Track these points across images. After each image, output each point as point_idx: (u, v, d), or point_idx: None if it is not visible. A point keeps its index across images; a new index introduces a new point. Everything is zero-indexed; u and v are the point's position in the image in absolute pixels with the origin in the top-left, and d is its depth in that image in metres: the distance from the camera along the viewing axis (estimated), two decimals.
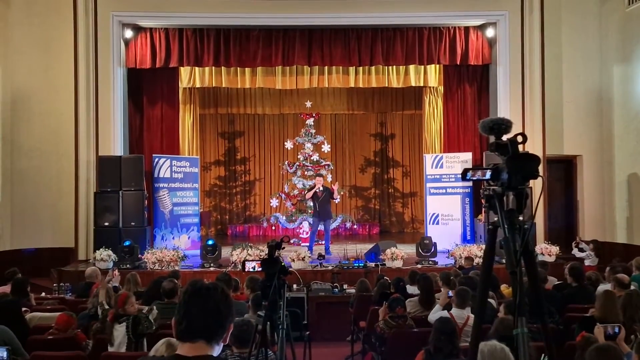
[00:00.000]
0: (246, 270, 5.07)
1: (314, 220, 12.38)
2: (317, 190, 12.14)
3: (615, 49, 12.39)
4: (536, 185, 10.43)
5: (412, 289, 7.71)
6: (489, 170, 2.43)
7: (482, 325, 2.69)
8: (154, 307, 5.64)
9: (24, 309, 6.38)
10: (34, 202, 12.14)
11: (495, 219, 2.46)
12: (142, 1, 12.27)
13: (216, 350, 2.08)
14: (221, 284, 2.21)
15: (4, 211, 11.91)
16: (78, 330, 5.72)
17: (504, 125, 2.47)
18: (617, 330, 4.49)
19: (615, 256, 11.02)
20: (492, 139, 2.49)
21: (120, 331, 5.29)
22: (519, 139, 2.40)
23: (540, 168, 2.44)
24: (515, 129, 2.51)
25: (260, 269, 4.46)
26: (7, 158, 12.05)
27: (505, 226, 2.35)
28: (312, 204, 12.69)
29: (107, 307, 5.95)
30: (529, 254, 2.38)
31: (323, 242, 12.38)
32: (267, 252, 4.39)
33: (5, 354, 4.53)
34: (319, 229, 12.41)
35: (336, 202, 13.30)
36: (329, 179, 14.81)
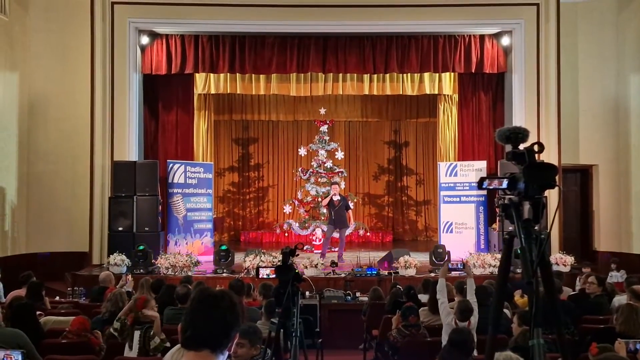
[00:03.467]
0: (260, 277, 5.05)
1: (328, 227, 12.37)
2: (334, 199, 12.14)
3: (632, 58, 12.30)
4: (551, 195, 10.35)
5: (425, 298, 7.66)
6: (505, 179, 2.42)
7: (497, 335, 2.67)
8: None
9: (38, 312, 6.41)
10: (49, 206, 12.24)
11: (511, 228, 2.45)
12: (158, 8, 12.35)
13: (219, 358, 2.09)
14: (229, 293, 2.20)
15: (19, 215, 12.01)
16: (92, 335, 5.74)
17: (521, 134, 2.46)
18: (638, 346, 4.43)
19: (631, 267, 10.91)
20: (508, 147, 2.47)
21: (136, 337, 5.30)
22: (536, 148, 2.38)
23: (557, 177, 2.42)
24: (531, 137, 2.50)
25: (274, 275, 4.45)
26: (24, 162, 12.16)
27: (522, 236, 2.33)
28: (326, 211, 12.69)
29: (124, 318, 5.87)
30: (546, 264, 2.36)
31: (336, 250, 12.37)
32: (281, 259, 4.38)
33: (20, 357, 4.56)
34: (332, 236, 12.41)
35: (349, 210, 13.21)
36: (342, 186, 14.80)
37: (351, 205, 12.63)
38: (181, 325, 2.10)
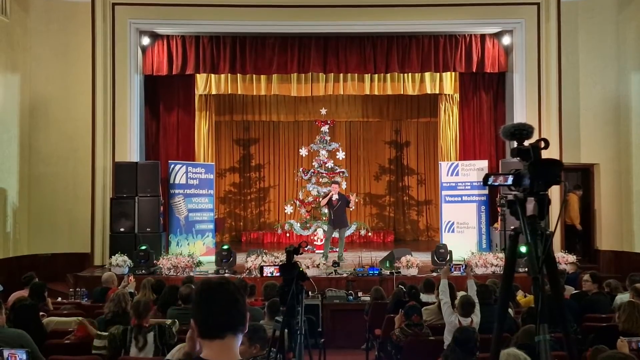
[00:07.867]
0: (264, 275, 5.06)
1: (328, 227, 12.38)
2: (333, 198, 12.14)
3: (633, 57, 12.27)
4: (553, 193, 10.31)
5: (426, 297, 7.66)
6: (510, 176, 2.41)
7: (502, 333, 2.66)
8: (176, 321, 5.63)
9: (41, 313, 6.41)
10: (51, 208, 12.23)
11: (514, 226, 2.45)
12: (159, 9, 12.35)
13: (239, 339, 2.16)
14: (228, 278, 2.24)
15: (21, 216, 12.00)
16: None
17: (526, 130, 2.47)
18: None
19: (632, 265, 10.88)
20: (513, 144, 2.47)
21: (148, 340, 5.26)
22: (541, 144, 2.38)
23: (561, 173, 2.42)
24: (535, 135, 2.50)
25: (278, 274, 4.46)
26: (25, 163, 12.15)
27: (527, 232, 2.33)
28: (327, 211, 12.69)
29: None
30: (551, 260, 2.36)
31: (337, 250, 12.36)
32: (285, 258, 4.38)
33: (25, 356, 4.56)
34: (333, 236, 12.41)
35: (351, 209, 13.25)
36: (344, 186, 14.79)
37: (352, 204, 12.58)
38: (195, 319, 2.15)
